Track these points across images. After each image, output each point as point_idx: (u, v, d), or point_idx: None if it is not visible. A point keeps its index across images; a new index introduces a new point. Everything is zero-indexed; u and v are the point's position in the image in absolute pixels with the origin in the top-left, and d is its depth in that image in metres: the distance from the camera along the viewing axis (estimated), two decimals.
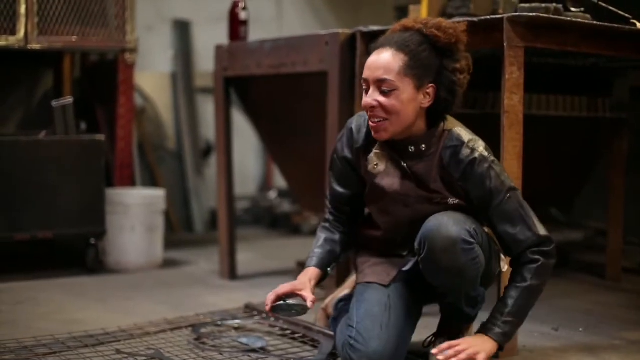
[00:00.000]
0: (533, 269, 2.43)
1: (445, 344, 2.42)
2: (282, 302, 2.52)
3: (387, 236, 2.65)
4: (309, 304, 2.50)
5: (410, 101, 2.42)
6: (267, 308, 2.52)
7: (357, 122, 2.63)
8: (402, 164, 2.53)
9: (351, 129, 2.63)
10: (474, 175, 2.44)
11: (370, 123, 2.47)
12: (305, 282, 2.57)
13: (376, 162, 2.57)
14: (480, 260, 2.42)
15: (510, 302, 2.43)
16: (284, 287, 2.55)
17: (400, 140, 2.50)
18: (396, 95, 2.41)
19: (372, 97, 2.43)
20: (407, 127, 2.46)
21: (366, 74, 2.46)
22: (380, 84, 2.42)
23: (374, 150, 2.57)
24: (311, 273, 2.62)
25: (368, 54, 2.51)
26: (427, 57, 2.43)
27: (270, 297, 2.53)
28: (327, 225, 2.73)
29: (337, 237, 2.70)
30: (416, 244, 2.45)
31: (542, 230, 2.45)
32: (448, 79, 2.45)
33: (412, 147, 2.51)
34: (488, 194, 2.44)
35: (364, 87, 2.48)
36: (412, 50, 2.41)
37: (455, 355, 2.36)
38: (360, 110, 3.19)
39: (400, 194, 2.54)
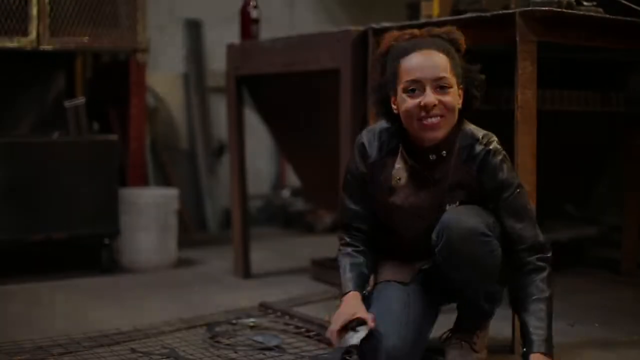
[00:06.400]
0: (545, 279, 2.43)
1: None
2: (349, 330, 2.42)
3: (407, 247, 2.62)
4: (370, 324, 2.41)
5: (457, 100, 2.46)
6: (334, 337, 2.43)
7: (367, 137, 2.61)
8: (424, 173, 2.52)
9: (363, 144, 2.60)
10: (488, 165, 2.47)
11: (425, 122, 2.41)
12: (356, 305, 2.47)
13: (399, 177, 2.54)
14: (497, 254, 2.42)
15: (543, 315, 2.38)
16: (341, 318, 2.43)
17: (425, 148, 2.49)
18: (452, 93, 2.43)
19: (431, 96, 2.40)
20: (451, 127, 2.47)
21: (417, 75, 2.41)
22: (438, 82, 2.41)
23: (396, 165, 2.54)
24: (354, 296, 2.52)
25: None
26: (459, 60, 2.48)
27: (333, 330, 2.42)
28: (347, 250, 2.62)
29: (361, 259, 2.60)
30: (434, 235, 2.44)
31: (542, 235, 2.47)
32: (477, 80, 2.51)
33: (434, 155, 2.50)
34: (499, 185, 2.46)
35: (410, 88, 2.42)
36: (449, 52, 2.46)
37: None
38: (372, 110, 3.18)
39: (414, 207, 2.52)
